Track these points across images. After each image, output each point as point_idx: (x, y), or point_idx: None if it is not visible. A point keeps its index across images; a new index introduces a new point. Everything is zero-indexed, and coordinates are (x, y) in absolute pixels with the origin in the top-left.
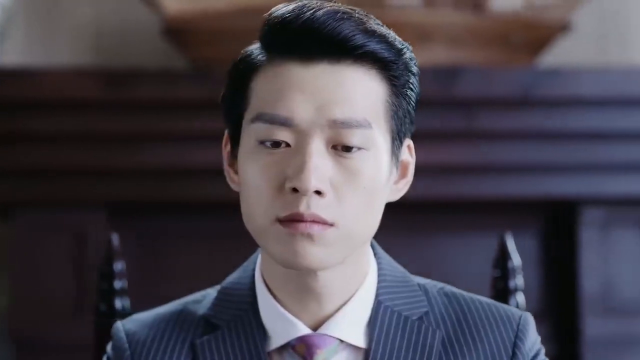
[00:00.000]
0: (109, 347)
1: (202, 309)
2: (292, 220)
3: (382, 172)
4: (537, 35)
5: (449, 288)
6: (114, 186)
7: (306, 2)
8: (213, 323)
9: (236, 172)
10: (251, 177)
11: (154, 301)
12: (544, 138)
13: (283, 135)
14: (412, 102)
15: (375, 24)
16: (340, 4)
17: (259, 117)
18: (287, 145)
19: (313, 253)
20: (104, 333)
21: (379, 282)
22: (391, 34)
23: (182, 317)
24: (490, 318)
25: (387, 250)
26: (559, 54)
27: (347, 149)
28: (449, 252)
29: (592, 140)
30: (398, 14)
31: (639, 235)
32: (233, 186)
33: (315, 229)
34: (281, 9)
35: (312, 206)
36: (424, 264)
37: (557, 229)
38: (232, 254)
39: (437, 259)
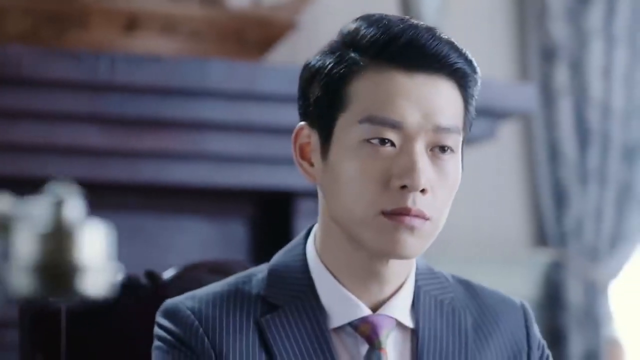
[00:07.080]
0: (170, 325)
1: (255, 288)
2: (399, 214)
3: (459, 173)
4: (268, 33)
5: (458, 275)
6: None
7: (392, 16)
8: (272, 302)
9: (312, 165)
10: (352, 172)
11: None
12: (261, 131)
13: (390, 135)
14: (474, 111)
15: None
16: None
17: (368, 119)
18: (392, 144)
19: (411, 244)
20: (31, 310)
21: (415, 268)
22: (467, 51)
23: (239, 296)
24: (501, 303)
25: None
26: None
27: (443, 151)
28: (161, 235)
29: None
30: (143, 3)
31: None
32: (308, 178)
33: (416, 222)
34: (378, 23)
35: (417, 202)
36: (137, 245)
37: (270, 217)
38: None
39: (151, 240)
